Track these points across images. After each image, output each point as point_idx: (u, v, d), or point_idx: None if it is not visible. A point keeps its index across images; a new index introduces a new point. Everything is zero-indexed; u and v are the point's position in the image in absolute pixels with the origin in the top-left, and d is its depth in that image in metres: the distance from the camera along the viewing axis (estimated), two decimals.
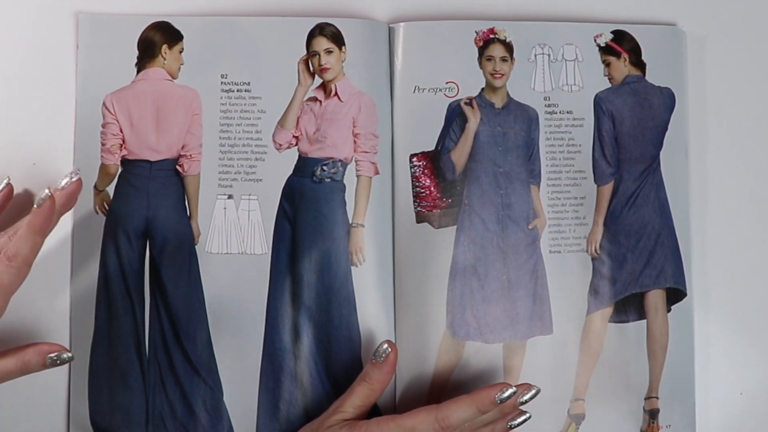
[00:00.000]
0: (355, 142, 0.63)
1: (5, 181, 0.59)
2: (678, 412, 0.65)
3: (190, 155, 0.62)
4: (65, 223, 0.61)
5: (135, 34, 0.63)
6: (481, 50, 0.64)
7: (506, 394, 0.55)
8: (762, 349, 0.67)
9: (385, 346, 0.58)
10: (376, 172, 0.63)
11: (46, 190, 0.53)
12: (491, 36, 0.64)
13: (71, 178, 0.56)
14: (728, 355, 0.67)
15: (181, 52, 0.63)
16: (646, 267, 0.65)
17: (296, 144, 0.63)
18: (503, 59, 0.65)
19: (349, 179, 0.63)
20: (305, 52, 0.63)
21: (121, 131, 0.62)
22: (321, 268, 0.62)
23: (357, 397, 0.58)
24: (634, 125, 0.65)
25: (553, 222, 0.64)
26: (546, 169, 0.65)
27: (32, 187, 0.62)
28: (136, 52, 0.63)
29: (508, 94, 0.65)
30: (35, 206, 0.53)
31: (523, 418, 0.56)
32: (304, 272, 0.62)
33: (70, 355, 0.55)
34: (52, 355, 0.55)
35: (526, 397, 0.57)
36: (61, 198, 0.55)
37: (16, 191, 0.61)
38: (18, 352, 0.55)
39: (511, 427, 0.56)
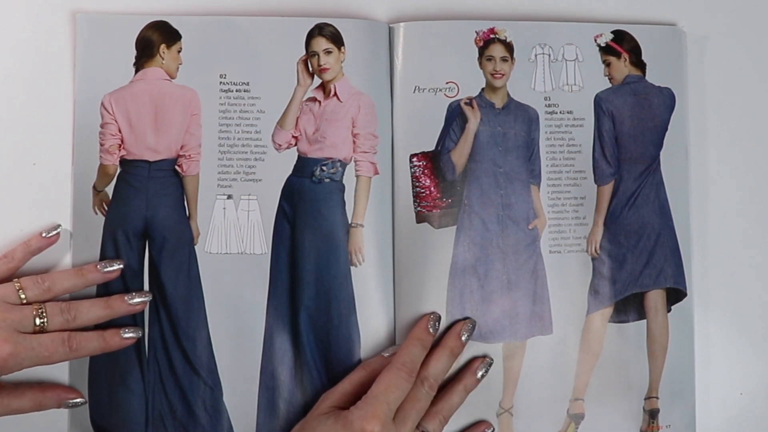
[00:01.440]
0: (354, 142, 0.63)
1: (57, 230, 0.61)
2: (678, 412, 0.65)
3: (189, 155, 0.62)
4: (65, 224, 0.61)
5: (133, 33, 0.63)
6: (482, 50, 0.64)
7: (433, 320, 0.61)
8: (762, 349, 0.68)
9: (397, 347, 0.61)
10: (376, 172, 0.63)
11: (138, 332, 0.60)
12: (491, 36, 0.64)
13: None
14: (728, 355, 0.67)
15: (179, 51, 0.63)
16: (646, 267, 0.65)
17: (295, 144, 0.63)
18: (503, 59, 0.64)
19: (349, 179, 0.63)
20: (304, 52, 0.63)
21: (120, 131, 0.62)
22: (321, 268, 0.62)
23: (349, 384, 0.59)
24: (634, 125, 0.65)
25: (553, 222, 0.64)
26: (546, 169, 0.65)
27: (32, 187, 0.62)
28: (134, 52, 0.63)
29: (508, 94, 0.65)
30: (124, 336, 0.59)
31: (488, 364, 0.62)
32: (304, 272, 0.62)
33: (84, 400, 0.60)
34: (68, 401, 0.60)
35: (465, 335, 0.61)
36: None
37: (16, 191, 0.61)
38: (36, 393, 0.58)
39: (480, 377, 0.61)
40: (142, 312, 0.61)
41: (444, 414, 0.59)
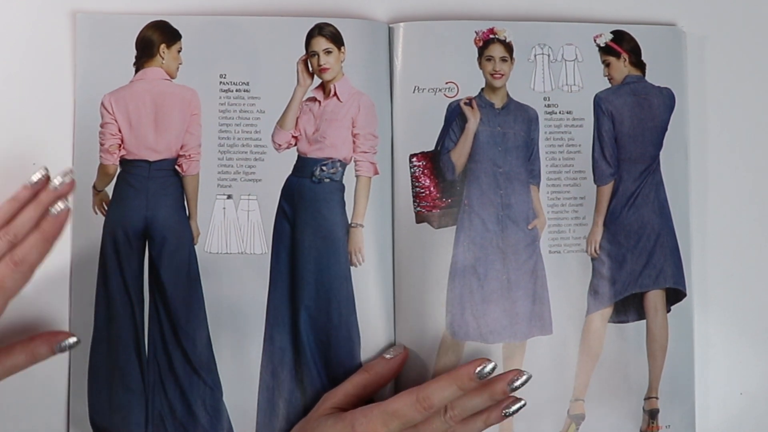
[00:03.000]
0: (354, 142, 0.63)
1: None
2: (678, 412, 0.65)
3: (189, 155, 0.62)
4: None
5: (133, 33, 0.63)
6: (481, 50, 0.64)
7: (486, 369, 0.55)
8: (762, 349, 0.68)
9: (400, 347, 0.61)
10: (376, 173, 0.63)
11: (60, 204, 0.54)
12: (491, 36, 0.64)
13: (64, 178, 0.56)
14: (728, 355, 0.67)
15: (179, 51, 0.63)
16: (645, 267, 0.65)
17: (295, 144, 0.63)
18: (503, 59, 0.64)
19: (349, 179, 0.63)
20: (304, 52, 0.63)
21: (120, 131, 0.62)
22: (321, 268, 0.62)
23: (351, 385, 0.59)
24: (633, 125, 0.65)
25: (552, 222, 0.64)
26: (546, 170, 0.65)
27: None
28: (134, 52, 0.63)
29: (507, 95, 0.65)
30: (53, 213, 0.54)
31: (518, 405, 0.56)
32: (304, 272, 0.62)
33: (76, 339, 0.58)
34: (61, 343, 0.57)
35: (518, 383, 0.55)
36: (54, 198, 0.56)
37: (14, 191, 0.61)
38: (25, 345, 0.56)
39: (506, 415, 0.56)
40: (142, 312, 0.61)
41: None
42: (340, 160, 0.63)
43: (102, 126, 0.62)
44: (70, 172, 0.56)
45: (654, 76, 0.66)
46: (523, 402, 0.56)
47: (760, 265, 0.68)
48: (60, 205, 0.55)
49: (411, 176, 0.64)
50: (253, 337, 0.62)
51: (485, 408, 0.56)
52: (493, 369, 0.55)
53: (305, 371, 0.62)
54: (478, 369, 0.55)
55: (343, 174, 0.63)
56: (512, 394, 0.55)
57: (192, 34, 0.63)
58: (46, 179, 0.56)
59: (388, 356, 0.60)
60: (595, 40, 0.66)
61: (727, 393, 0.67)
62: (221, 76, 0.63)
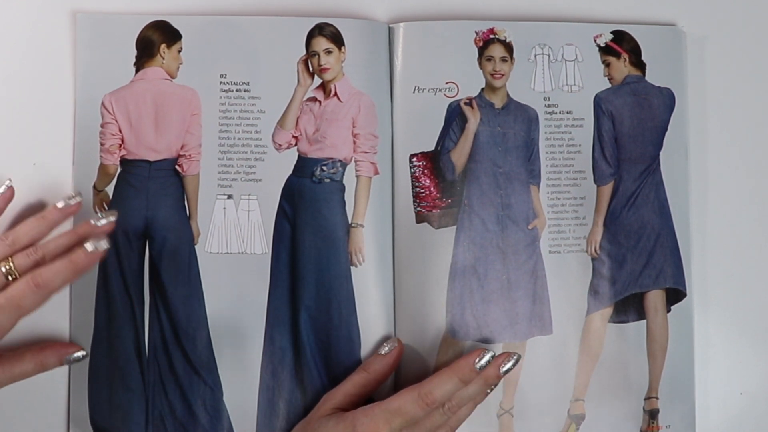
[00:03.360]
0: (354, 142, 0.63)
1: (6, 184, 0.59)
2: (678, 412, 0.65)
3: (190, 155, 0.62)
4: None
5: (133, 33, 0.63)
6: (481, 50, 0.64)
7: (485, 359, 0.57)
8: (762, 349, 0.68)
9: (394, 341, 0.60)
10: (376, 173, 0.63)
11: (104, 244, 0.55)
12: (491, 36, 0.64)
13: (107, 218, 0.58)
14: (728, 355, 0.67)
15: (179, 51, 0.63)
16: (645, 267, 0.65)
17: (296, 144, 0.63)
18: (503, 59, 0.64)
19: (349, 179, 0.63)
20: (305, 52, 0.63)
21: (120, 131, 0.62)
22: (321, 268, 0.62)
23: (351, 385, 0.59)
24: (633, 125, 0.65)
25: (552, 222, 0.64)
26: (546, 170, 0.65)
27: (31, 187, 0.62)
28: (135, 52, 0.63)
29: (507, 95, 0.65)
30: (88, 248, 0.54)
31: (505, 367, 0.58)
32: (304, 272, 0.62)
33: (84, 353, 0.60)
34: (70, 356, 0.59)
35: (509, 366, 0.58)
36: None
37: (17, 191, 0.61)
38: (35, 354, 0.57)
39: (489, 392, 0.59)
40: (143, 311, 0.61)
41: (451, 425, 0.58)
42: (340, 160, 0.63)
43: (102, 126, 0.62)
44: (113, 215, 0.58)
45: (654, 76, 0.66)
46: (489, 357, 0.58)
47: (760, 265, 0.68)
48: (104, 245, 0.55)
49: (411, 176, 0.64)
50: (254, 337, 0.62)
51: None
52: (492, 358, 0.57)
53: (305, 371, 0.62)
54: (478, 360, 0.57)
55: (343, 174, 0.63)
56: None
57: (192, 34, 0.63)
58: (78, 205, 0.58)
59: (383, 352, 0.60)
60: (595, 40, 0.66)
61: (727, 393, 0.67)
62: (221, 76, 0.63)
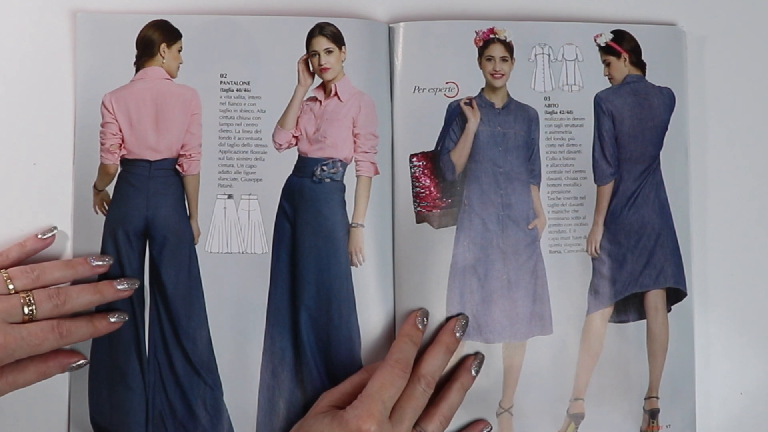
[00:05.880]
0: (354, 142, 0.63)
1: (53, 232, 0.61)
2: (678, 412, 0.65)
3: (190, 155, 0.62)
4: (65, 223, 0.61)
5: (133, 32, 0.63)
6: (481, 50, 0.64)
7: (462, 321, 0.62)
8: (762, 349, 0.68)
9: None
10: (376, 172, 0.63)
11: (127, 317, 0.60)
12: (491, 36, 0.64)
13: (130, 285, 0.61)
14: (728, 355, 0.67)
15: (180, 51, 0.63)
16: (646, 267, 0.65)
17: (296, 144, 0.63)
18: (503, 59, 0.65)
19: (349, 179, 0.63)
20: (305, 51, 0.63)
21: (121, 131, 0.62)
22: (321, 268, 0.62)
23: (350, 385, 0.59)
24: (634, 125, 0.65)
25: (553, 222, 0.64)
26: (546, 169, 0.65)
27: (32, 186, 0.62)
28: (135, 51, 0.63)
29: (508, 94, 0.65)
30: (111, 320, 0.59)
31: (479, 359, 0.62)
32: (305, 272, 0.62)
33: (86, 360, 0.60)
34: (73, 364, 0.60)
35: (463, 323, 0.61)
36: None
37: (16, 191, 0.61)
38: (39, 365, 0.58)
39: (475, 374, 0.61)
40: (143, 311, 0.61)
41: (444, 414, 0.59)
42: (340, 160, 0.63)
43: (102, 125, 0.62)
44: (136, 282, 0.61)
45: (654, 76, 0.66)
46: (483, 356, 0.62)
47: (760, 264, 0.68)
48: (125, 317, 0.60)
49: (411, 176, 0.64)
50: (254, 336, 0.62)
51: (454, 375, 0.61)
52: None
53: (306, 371, 0.62)
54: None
55: (343, 174, 0.63)
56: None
57: (192, 33, 0.63)
58: (108, 266, 0.60)
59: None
60: (595, 40, 0.66)
61: (728, 393, 0.67)
62: (222, 75, 0.63)
